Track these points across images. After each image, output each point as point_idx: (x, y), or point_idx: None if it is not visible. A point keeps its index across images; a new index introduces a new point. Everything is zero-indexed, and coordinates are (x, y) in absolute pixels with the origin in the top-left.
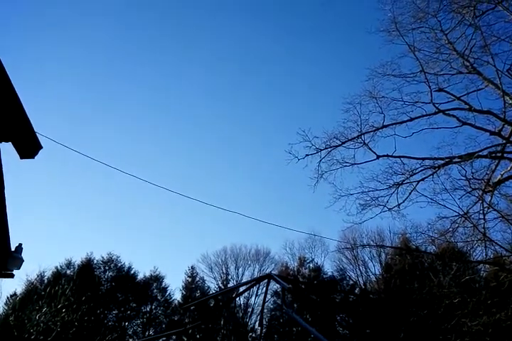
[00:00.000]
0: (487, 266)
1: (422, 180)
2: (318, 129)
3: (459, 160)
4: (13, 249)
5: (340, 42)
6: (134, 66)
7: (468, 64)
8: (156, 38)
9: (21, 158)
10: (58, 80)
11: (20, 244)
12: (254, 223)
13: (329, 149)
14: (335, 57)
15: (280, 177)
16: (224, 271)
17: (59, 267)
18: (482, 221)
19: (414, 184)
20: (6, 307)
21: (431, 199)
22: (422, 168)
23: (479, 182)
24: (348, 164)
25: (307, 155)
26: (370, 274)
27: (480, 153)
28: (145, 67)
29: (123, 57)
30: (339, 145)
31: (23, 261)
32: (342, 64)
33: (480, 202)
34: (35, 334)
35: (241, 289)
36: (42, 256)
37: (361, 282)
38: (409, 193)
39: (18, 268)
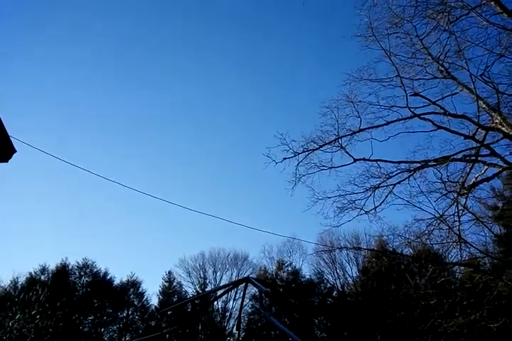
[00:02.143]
0: (462, 267)
1: (399, 183)
2: (295, 133)
3: (435, 163)
4: None
5: (318, 47)
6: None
7: (443, 69)
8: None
9: None
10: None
11: None
12: (232, 227)
13: (307, 153)
14: (313, 62)
15: (258, 180)
16: (202, 276)
17: (33, 273)
18: (457, 223)
19: (391, 187)
20: None
21: (407, 201)
22: (398, 172)
23: (454, 184)
24: (325, 167)
25: (285, 158)
26: (348, 277)
27: (455, 157)
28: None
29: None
30: (317, 149)
31: None
32: (320, 68)
33: (455, 204)
34: None
35: (218, 293)
36: (16, 261)
37: (339, 285)
38: (386, 196)
39: None
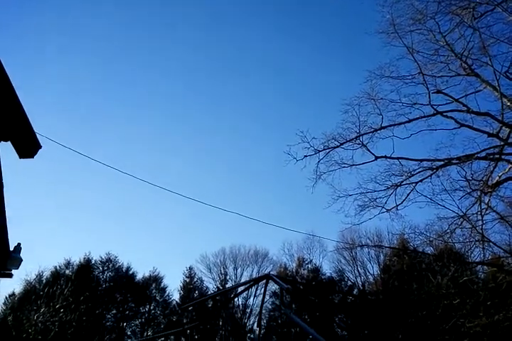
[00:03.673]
0: (485, 267)
1: (421, 181)
2: (316, 130)
3: (458, 161)
4: (11, 248)
5: (339, 44)
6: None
7: (466, 66)
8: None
9: (20, 157)
10: (58, 80)
11: (19, 244)
12: (253, 224)
13: (327, 150)
14: (334, 59)
15: (279, 178)
16: (222, 272)
17: (58, 267)
18: (480, 222)
19: (413, 185)
20: (5, 307)
21: (430, 199)
22: (420, 169)
23: (478, 183)
24: (346, 165)
25: (305, 156)
26: (369, 275)
27: (478, 155)
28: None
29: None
30: (337, 147)
31: (21, 260)
32: (341, 65)
33: (478, 203)
34: (34, 334)
35: (239, 289)
36: (41, 256)
37: (360, 283)
38: (408, 194)
39: (17, 268)
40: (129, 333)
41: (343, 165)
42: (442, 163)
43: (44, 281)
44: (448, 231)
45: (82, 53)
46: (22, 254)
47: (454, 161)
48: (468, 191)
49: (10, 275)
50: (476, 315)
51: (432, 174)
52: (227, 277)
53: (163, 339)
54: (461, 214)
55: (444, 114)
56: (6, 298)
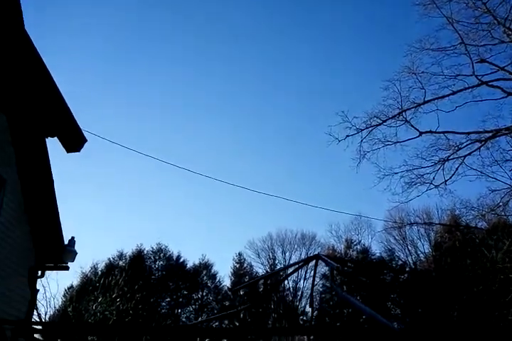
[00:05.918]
0: None
1: (469, 154)
2: (357, 110)
3: (507, 132)
4: (66, 242)
5: (376, 19)
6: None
7: (510, 32)
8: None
9: (68, 152)
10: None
11: (72, 237)
12: (298, 207)
13: (370, 128)
14: (370, 36)
15: (322, 159)
16: (271, 256)
17: (111, 259)
18: None
19: (461, 159)
20: (64, 299)
21: (480, 172)
22: (468, 142)
23: None
24: (390, 143)
25: (348, 136)
26: (420, 253)
27: None
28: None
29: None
30: (380, 124)
31: (76, 253)
32: (378, 42)
33: None
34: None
35: (290, 270)
36: (94, 248)
37: (411, 262)
38: (456, 168)
39: (73, 261)
40: (184, 319)
41: (386, 143)
42: (491, 134)
43: (99, 273)
44: (500, 204)
45: None
46: (76, 247)
47: (503, 132)
48: None
49: (66, 268)
50: None
51: (480, 146)
52: (276, 261)
53: (217, 323)
54: None
55: (490, 83)
56: (66, 290)
